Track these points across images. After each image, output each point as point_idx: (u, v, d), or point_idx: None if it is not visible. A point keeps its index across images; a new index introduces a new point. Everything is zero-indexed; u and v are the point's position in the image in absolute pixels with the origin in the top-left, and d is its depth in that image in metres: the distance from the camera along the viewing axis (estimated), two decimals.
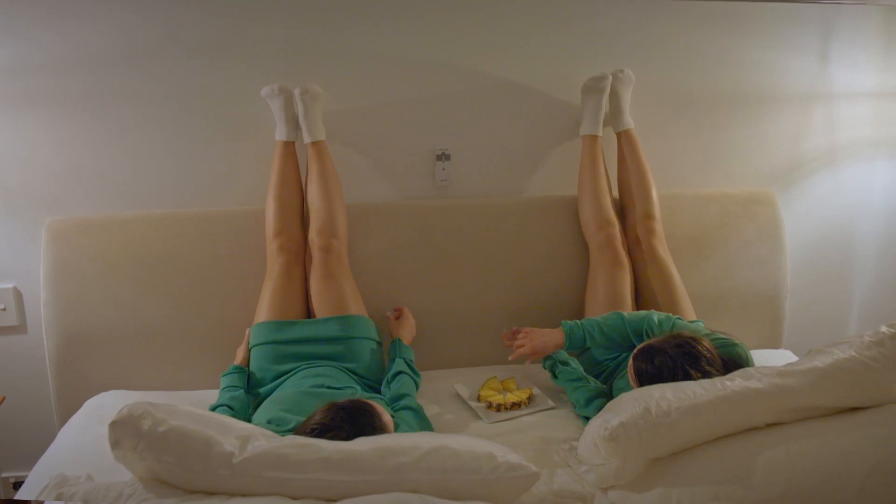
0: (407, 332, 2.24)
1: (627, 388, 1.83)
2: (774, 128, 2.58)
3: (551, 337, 2.06)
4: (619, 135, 2.42)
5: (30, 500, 1.61)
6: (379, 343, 2.19)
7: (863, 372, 1.55)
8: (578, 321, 2.06)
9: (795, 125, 2.59)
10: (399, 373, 2.04)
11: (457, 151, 2.44)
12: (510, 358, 2.10)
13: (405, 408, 1.90)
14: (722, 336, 1.88)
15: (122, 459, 1.37)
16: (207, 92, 2.28)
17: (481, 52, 2.37)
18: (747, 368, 1.63)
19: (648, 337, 1.96)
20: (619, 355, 2.11)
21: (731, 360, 1.78)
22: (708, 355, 1.70)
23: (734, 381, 1.55)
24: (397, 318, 2.29)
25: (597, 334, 2.02)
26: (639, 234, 2.35)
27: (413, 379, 2.05)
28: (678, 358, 1.68)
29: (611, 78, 2.35)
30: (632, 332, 2.00)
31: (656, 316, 1.99)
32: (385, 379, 2.06)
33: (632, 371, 1.75)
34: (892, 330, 1.62)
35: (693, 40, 2.46)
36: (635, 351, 1.75)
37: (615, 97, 2.39)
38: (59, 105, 2.23)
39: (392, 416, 1.81)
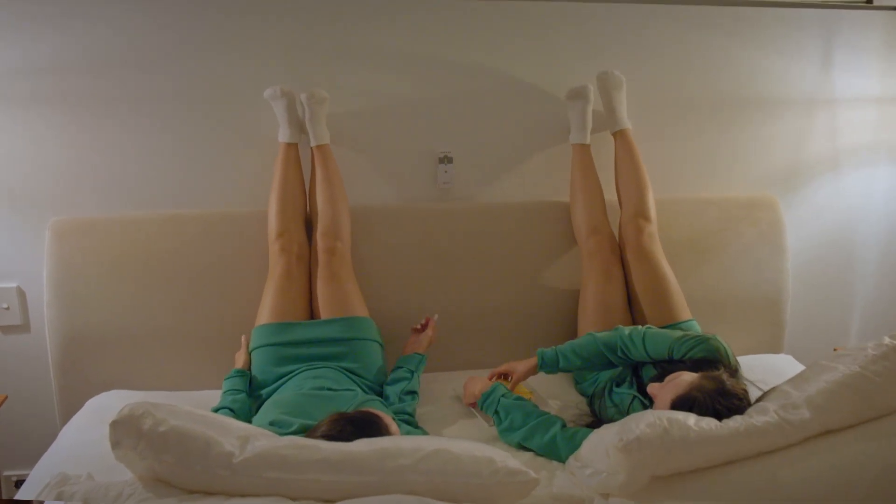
0: (428, 342, 2.24)
1: (617, 416, 1.84)
2: (776, 132, 2.58)
3: (526, 362, 2.09)
4: (614, 135, 2.42)
5: (31, 500, 1.62)
6: (381, 345, 2.20)
7: (870, 389, 1.54)
8: (554, 347, 2.08)
9: (797, 130, 2.59)
10: (413, 392, 2.06)
11: (459, 154, 2.44)
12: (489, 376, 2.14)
13: (407, 423, 1.91)
14: (693, 336, 1.89)
15: (123, 459, 1.38)
16: (211, 93, 2.29)
17: (483, 56, 2.38)
18: (762, 404, 1.63)
19: (623, 352, 1.98)
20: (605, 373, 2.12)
21: (710, 357, 1.80)
22: (743, 403, 1.68)
23: (752, 417, 1.55)
24: (421, 330, 2.26)
25: (569, 353, 2.03)
26: (628, 233, 2.34)
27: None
28: (720, 407, 1.65)
29: (591, 87, 2.35)
30: (605, 348, 2.01)
31: (627, 329, 2.01)
32: (396, 389, 2.06)
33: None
34: None
35: (695, 44, 2.46)
36: (675, 399, 1.71)
37: (606, 99, 2.39)
38: (63, 105, 2.24)
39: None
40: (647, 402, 1.86)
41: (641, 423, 1.49)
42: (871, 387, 1.54)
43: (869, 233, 2.73)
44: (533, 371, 2.08)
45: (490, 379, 2.12)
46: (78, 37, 2.20)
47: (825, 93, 2.57)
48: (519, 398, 1.97)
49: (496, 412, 1.96)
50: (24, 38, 2.18)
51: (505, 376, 2.12)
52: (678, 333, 1.94)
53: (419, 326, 2.26)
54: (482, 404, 2.01)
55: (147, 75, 2.26)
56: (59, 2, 2.16)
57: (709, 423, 1.51)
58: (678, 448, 1.46)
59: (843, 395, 1.54)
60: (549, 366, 2.05)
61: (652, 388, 1.79)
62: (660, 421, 1.48)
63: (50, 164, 2.27)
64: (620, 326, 2.04)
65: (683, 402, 1.67)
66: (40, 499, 1.42)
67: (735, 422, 1.52)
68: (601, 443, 1.56)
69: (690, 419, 1.51)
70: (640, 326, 2.02)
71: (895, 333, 1.62)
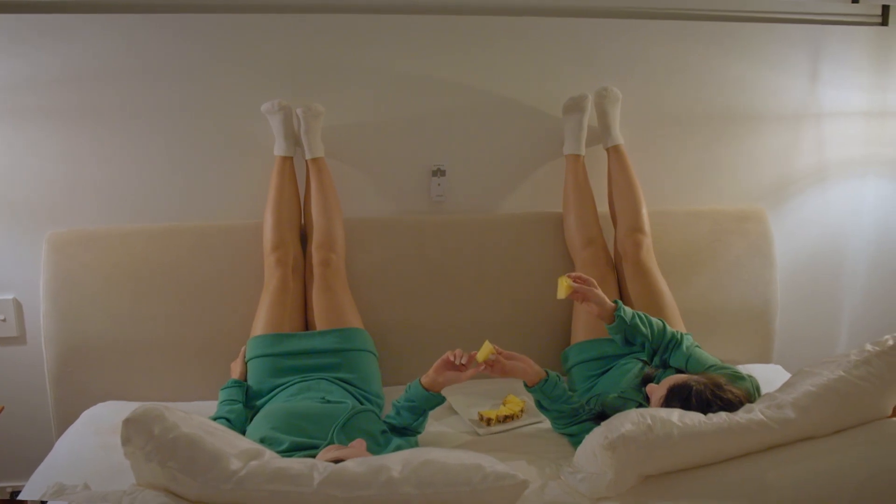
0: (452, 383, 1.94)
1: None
2: (764, 145, 2.61)
3: (606, 299, 2.01)
4: (608, 151, 2.45)
5: (26, 501, 1.62)
6: (375, 355, 2.21)
7: (853, 392, 1.58)
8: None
9: (785, 143, 2.62)
10: (415, 432, 1.96)
11: (452, 167, 2.47)
12: (570, 275, 2.03)
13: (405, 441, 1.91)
14: (732, 372, 1.88)
15: (130, 457, 1.39)
16: (208, 107, 2.32)
17: (476, 71, 2.41)
18: (749, 405, 1.65)
19: (670, 350, 1.98)
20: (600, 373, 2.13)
21: None
22: (735, 401, 1.70)
23: (738, 415, 1.58)
24: (461, 369, 1.90)
25: (644, 317, 2.00)
26: (626, 247, 2.36)
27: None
28: (712, 398, 1.68)
29: (590, 97, 2.38)
30: (664, 336, 1.99)
31: (690, 339, 2.00)
32: (401, 421, 1.95)
33: (662, 401, 1.75)
34: (878, 348, 1.65)
35: (685, 59, 2.50)
36: (672, 386, 1.73)
37: (602, 115, 2.42)
38: (61, 119, 2.26)
39: (383, 432, 1.86)
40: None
41: (626, 421, 1.52)
42: (854, 390, 1.59)
43: (856, 244, 2.76)
44: (608, 315, 1.99)
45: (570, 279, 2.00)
46: (76, 51, 2.22)
47: (813, 106, 2.61)
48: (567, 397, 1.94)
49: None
50: (24, 52, 2.20)
51: (579, 279, 2.02)
52: (720, 363, 1.92)
53: (462, 364, 1.88)
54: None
55: (145, 89, 2.28)
56: (60, 16, 2.19)
57: (693, 419, 1.54)
58: (663, 444, 1.49)
59: (827, 397, 1.58)
60: (625, 316, 1.98)
61: (650, 387, 1.82)
62: (643, 418, 1.52)
63: (47, 176, 2.29)
64: (687, 333, 2.04)
65: (681, 389, 1.71)
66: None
67: (719, 418, 1.55)
68: (589, 446, 1.59)
69: (674, 415, 1.54)
70: (695, 342, 2.01)
71: (877, 341, 1.66)
